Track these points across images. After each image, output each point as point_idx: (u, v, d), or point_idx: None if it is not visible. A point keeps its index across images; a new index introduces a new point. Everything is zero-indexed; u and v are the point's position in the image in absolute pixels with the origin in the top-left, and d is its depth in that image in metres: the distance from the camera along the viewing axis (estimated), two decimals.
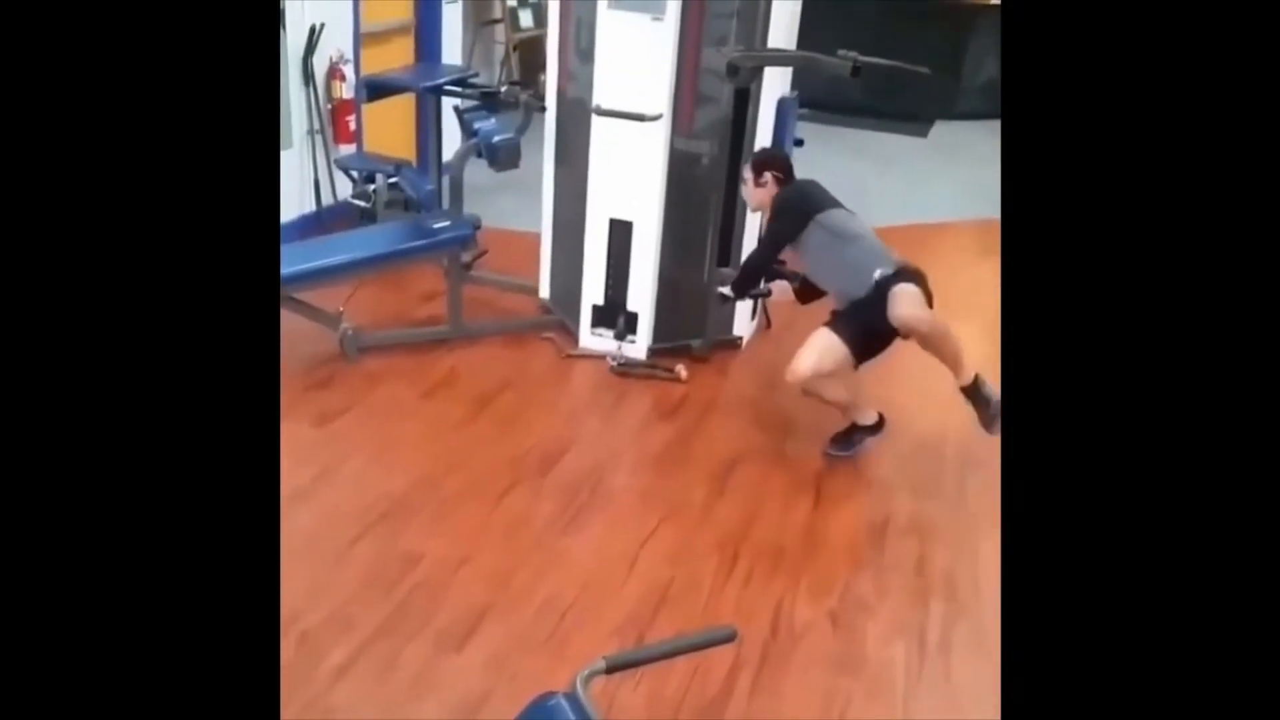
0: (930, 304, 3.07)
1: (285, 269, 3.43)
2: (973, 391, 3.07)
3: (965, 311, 4.58)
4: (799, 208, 3.23)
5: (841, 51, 3.28)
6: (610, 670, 1.30)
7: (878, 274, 3.05)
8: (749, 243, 3.83)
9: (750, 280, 3.45)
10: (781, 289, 3.57)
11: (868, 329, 3.04)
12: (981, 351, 4.06)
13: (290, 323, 3.52)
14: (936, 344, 3.01)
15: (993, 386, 3.06)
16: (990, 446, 3.34)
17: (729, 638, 1.38)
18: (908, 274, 3.06)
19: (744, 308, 3.89)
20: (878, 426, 3.23)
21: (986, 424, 3.08)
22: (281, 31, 4.51)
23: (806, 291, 3.40)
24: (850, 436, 3.22)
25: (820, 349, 3.03)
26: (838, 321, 3.09)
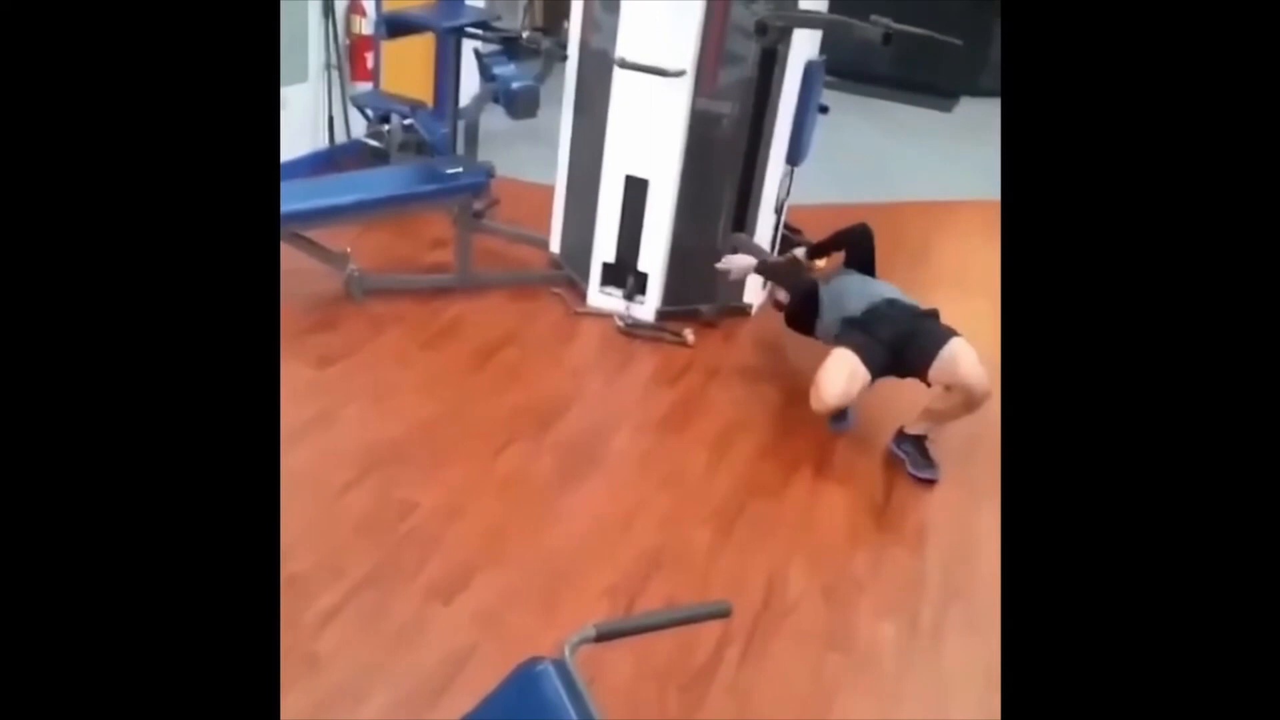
0: None
1: (294, 205, 3.37)
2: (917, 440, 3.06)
3: (981, 290, 4.52)
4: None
5: (874, 17, 3.18)
6: (600, 639, 1.27)
7: (895, 296, 3.12)
8: (765, 208, 3.76)
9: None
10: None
11: (894, 358, 3.01)
12: (991, 331, 4.02)
13: (296, 261, 3.47)
14: (978, 403, 2.93)
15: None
16: (996, 423, 3.30)
17: (723, 613, 1.35)
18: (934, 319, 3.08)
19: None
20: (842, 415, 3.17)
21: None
22: None
23: (797, 316, 3.38)
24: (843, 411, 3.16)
25: (849, 373, 2.93)
26: (861, 346, 2.99)
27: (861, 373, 2.94)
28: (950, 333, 3.00)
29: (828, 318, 3.22)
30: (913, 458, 3.04)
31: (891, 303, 3.13)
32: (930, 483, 2.98)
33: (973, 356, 2.92)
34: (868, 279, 3.32)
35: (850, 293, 3.21)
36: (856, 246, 3.43)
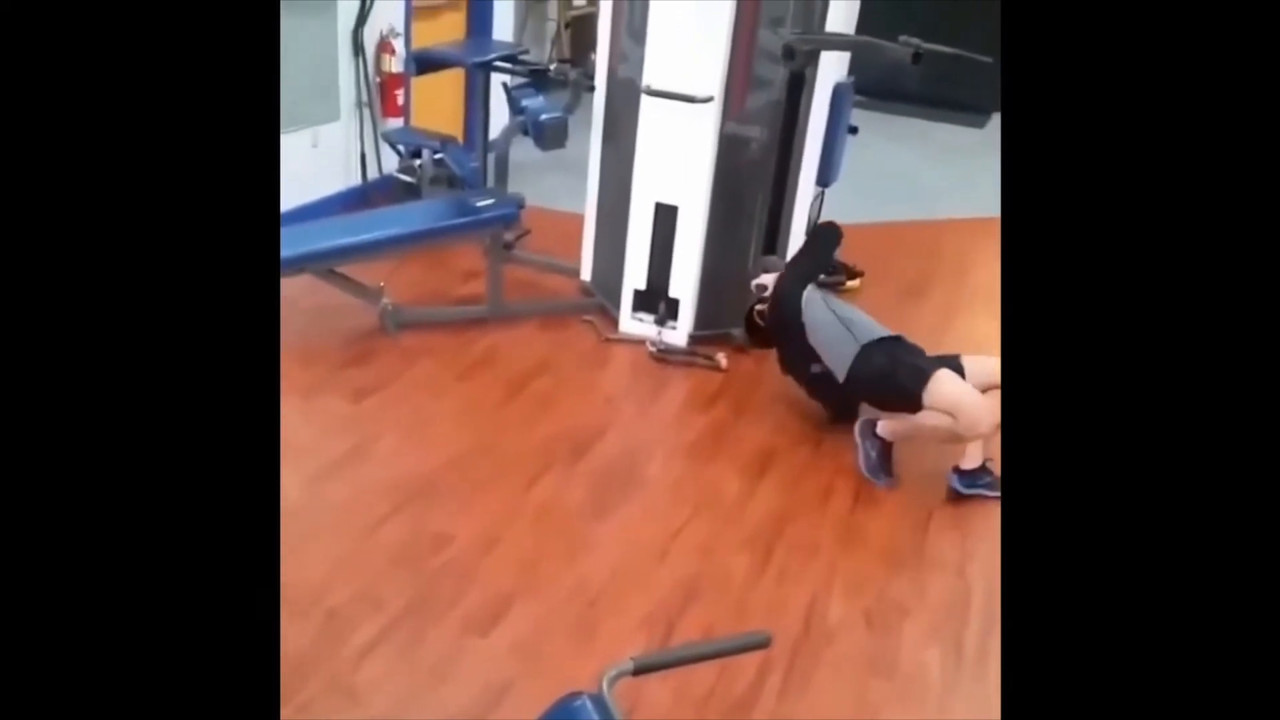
0: None
1: (328, 242, 3.43)
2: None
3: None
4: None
5: (903, 38, 3.17)
6: (638, 672, 1.25)
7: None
8: (796, 231, 3.74)
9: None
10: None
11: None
12: None
13: (331, 296, 3.52)
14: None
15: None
16: None
17: (763, 644, 1.32)
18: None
19: None
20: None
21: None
22: (333, 4, 4.50)
23: (766, 331, 3.37)
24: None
25: (979, 395, 2.87)
26: (942, 365, 2.96)
27: (978, 391, 2.90)
28: (935, 366, 2.98)
29: (842, 344, 3.09)
30: (868, 460, 3.03)
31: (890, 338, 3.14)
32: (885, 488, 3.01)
33: (958, 387, 2.90)
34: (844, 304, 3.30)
35: (860, 319, 3.18)
36: (816, 239, 3.42)
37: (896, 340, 3.10)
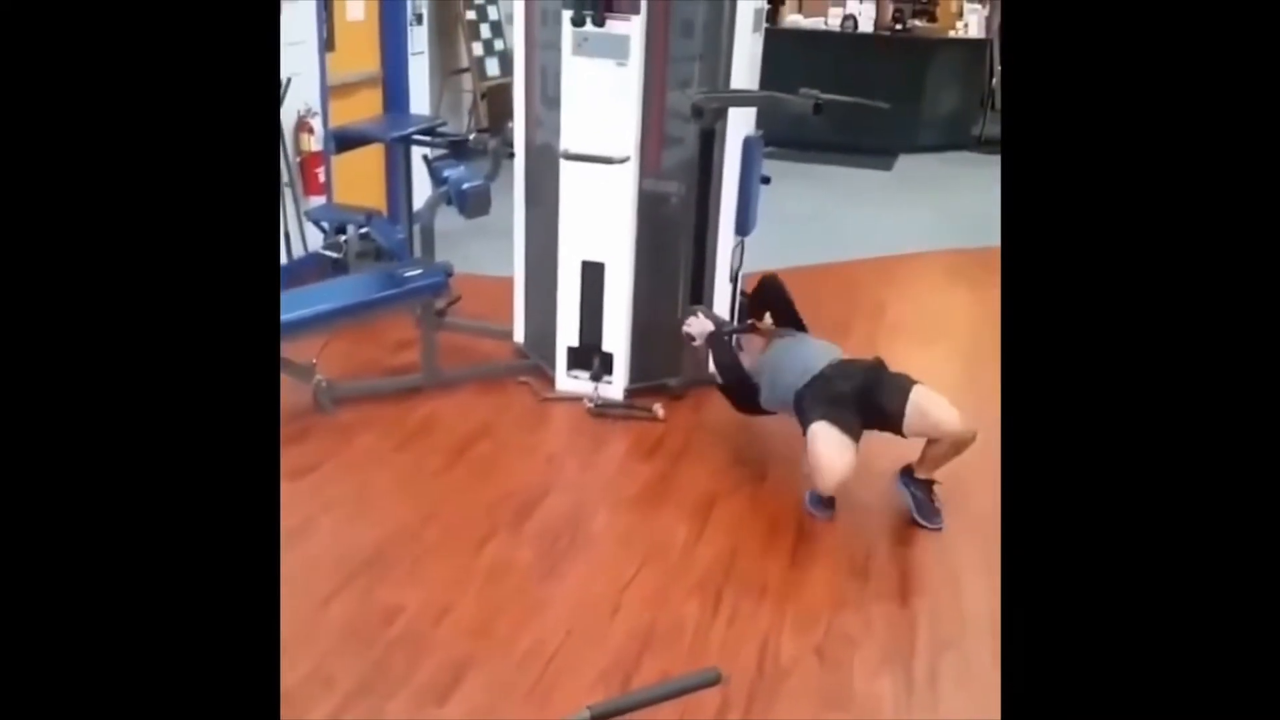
0: None
1: None
2: (925, 486, 3.10)
3: (934, 337, 4.64)
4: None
5: (803, 90, 3.34)
6: None
7: (835, 357, 3.20)
8: (720, 280, 3.85)
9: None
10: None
11: (864, 413, 3.03)
12: (950, 373, 4.11)
13: None
14: (966, 443, 2.99)
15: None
16: (972, 474, 3.35)
17: (713, 681, 1.37)
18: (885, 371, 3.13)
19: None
20: (829, 502, 3.10)
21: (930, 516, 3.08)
22: None
23: (736, 395, 3.44)
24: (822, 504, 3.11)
25: (837, 451, 2.91)
26: (831, 415, 2.98)
27: (848, 446, 2.94)
28: (908, 382, 3.05)
29: (773, 391, 3.24)
30: (920, 504, 3.07)
31: (836, 365, 3.17)
32: (936, 531, 3.03)
33: (940, 401, 2.98)
34: (804, 343, 3.36)
35: (786, 363, 3.24)
36: (774, 301, 3.54)
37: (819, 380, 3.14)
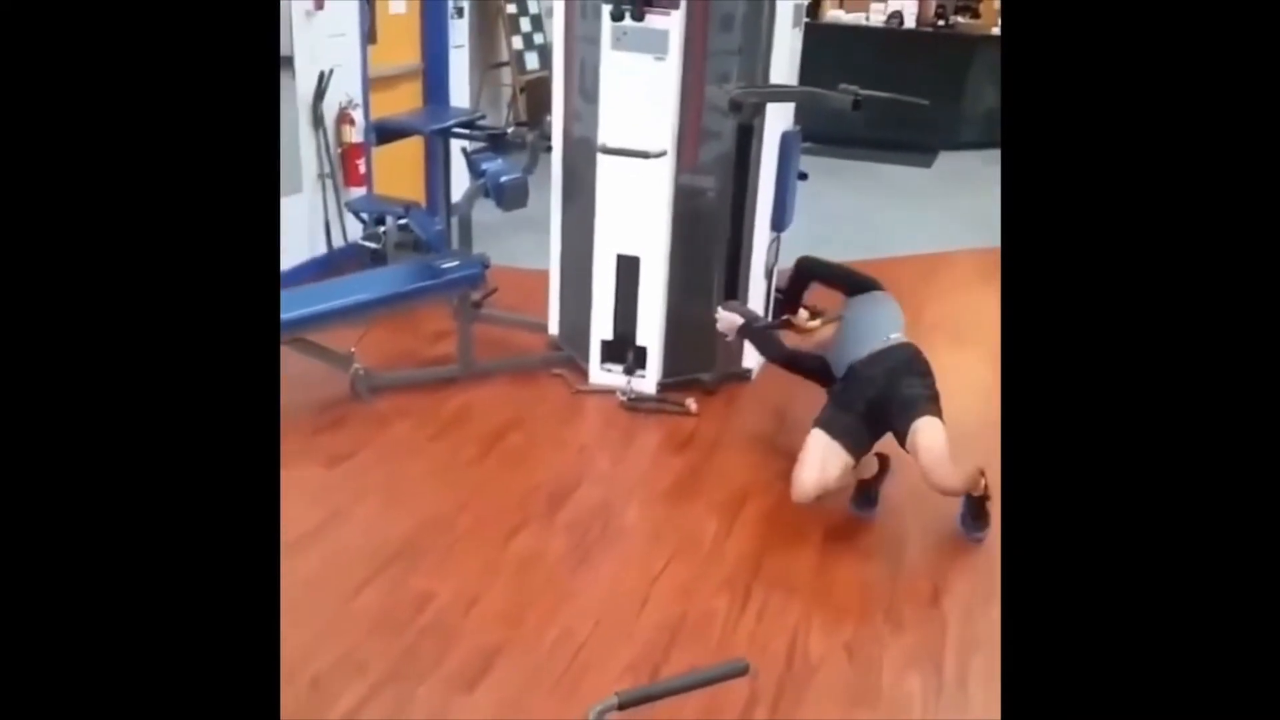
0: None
1: (296, 311, 3.46)
2: (977, 501, 2.97)
3: (970, 339, 4.58)
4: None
5: (843, 85, 3.31)
6: (623, 706, 1.29)
7: (893, 337, 3.08)
8: (755, 275, 3.84)
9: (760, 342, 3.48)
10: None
11: (873, 426, 2.95)
12: (984, 378, 4.06)
13: (301, 365, 3.54)
14: (953, 491, 2.90)
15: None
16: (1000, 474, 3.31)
17: (741, 671, 1.37)
18: (933, 399, 2.92)
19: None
20: (882, 473, 3.10)
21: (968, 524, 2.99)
22: (291, 78, 4.59)
23: (809, 375, 3.38)
24: (866, 494, 3.07)
25: (820, 458, 2.88)
26: (829, 420, 2.97)
27: (836, 458, 2.90)
28: (920, 409, 2.86)
29: (837, 367, 3.19)
30: (965, 514, 2.98)
31: (869, 359, 3.06)
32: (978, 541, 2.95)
33: (934, 447, 2.79)
34: (868, 311, 3.25)
35: (852, 337, 3.16)
36: (816, 274, 3.47)
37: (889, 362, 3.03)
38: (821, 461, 2.90)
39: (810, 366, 3.35)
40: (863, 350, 3.10)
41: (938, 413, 2.89)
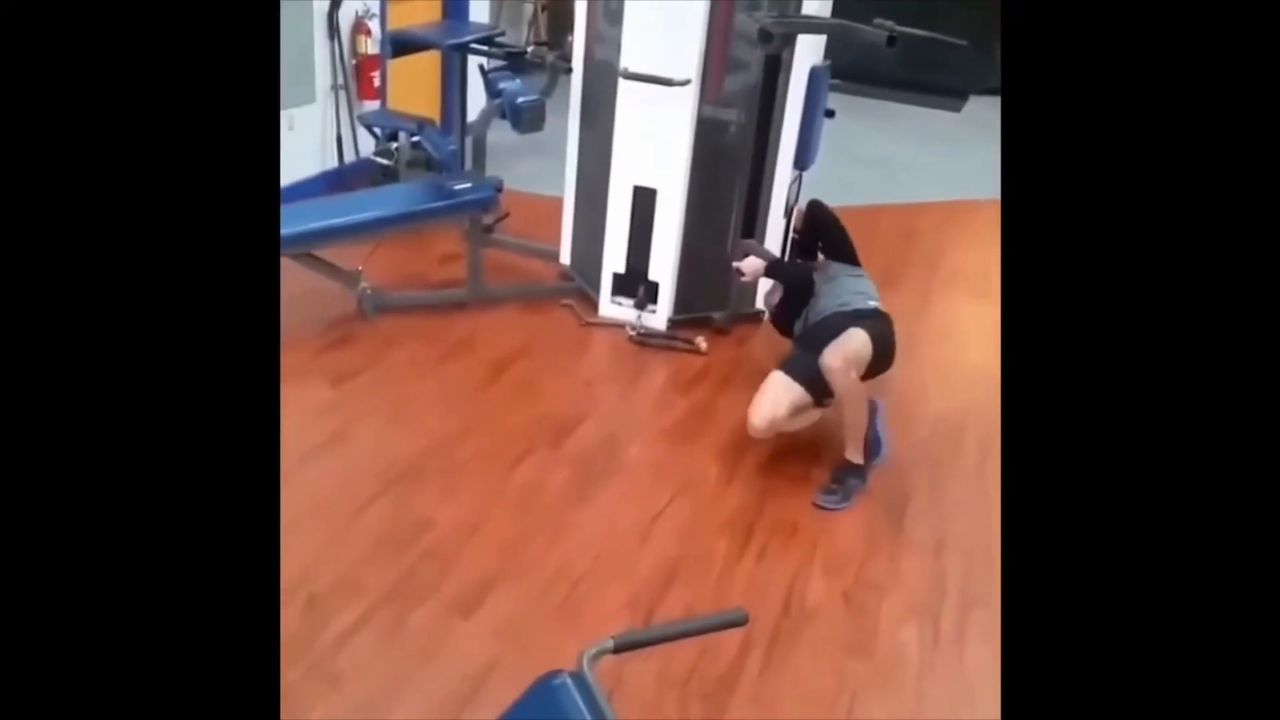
0: (889, 358, 2.98)
1: (304, 225, 3.40)
2: (843, 468, 2.92)
3: (990, 290, 4.51)
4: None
5: (877, 20, 3.18)
6: (618, 650, 1.27)
7: (872, 304, 3.05)
8: (774, 214, 3.76)
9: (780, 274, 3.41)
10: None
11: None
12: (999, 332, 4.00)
13: (309, 280, 3.50)
14: (841, 402, 2.86)
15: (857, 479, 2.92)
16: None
17: (740, 621, 1.35)
18: (869, 319, 2.95)
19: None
20: (869, 460, 2.94)
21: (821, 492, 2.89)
22: None
23: (780, 314, 3.37)
24: (842, 481, 2.91)
25: (773, 395, 2.88)
26: (789, 361, 2.98)
27: (787, 396, 2.87)
28: (851, 320, 2.93)
29: (804, 324, 3.17)
30: (828, 485, 2.92)
31: (865, 312, 3.03)
32: (830, 511, 2.83)
33: (843, 347, 2.81)
34: (841, 280, 3.19)
35: (833, 291, 3.14)
36: (825, 229, 3.37)
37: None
38: (774, 399, 2.89)
39: (794, 305, 3.28)
40: (845, 304, 3.06)
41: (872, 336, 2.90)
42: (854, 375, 2.84)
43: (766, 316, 3.55)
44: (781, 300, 3.39)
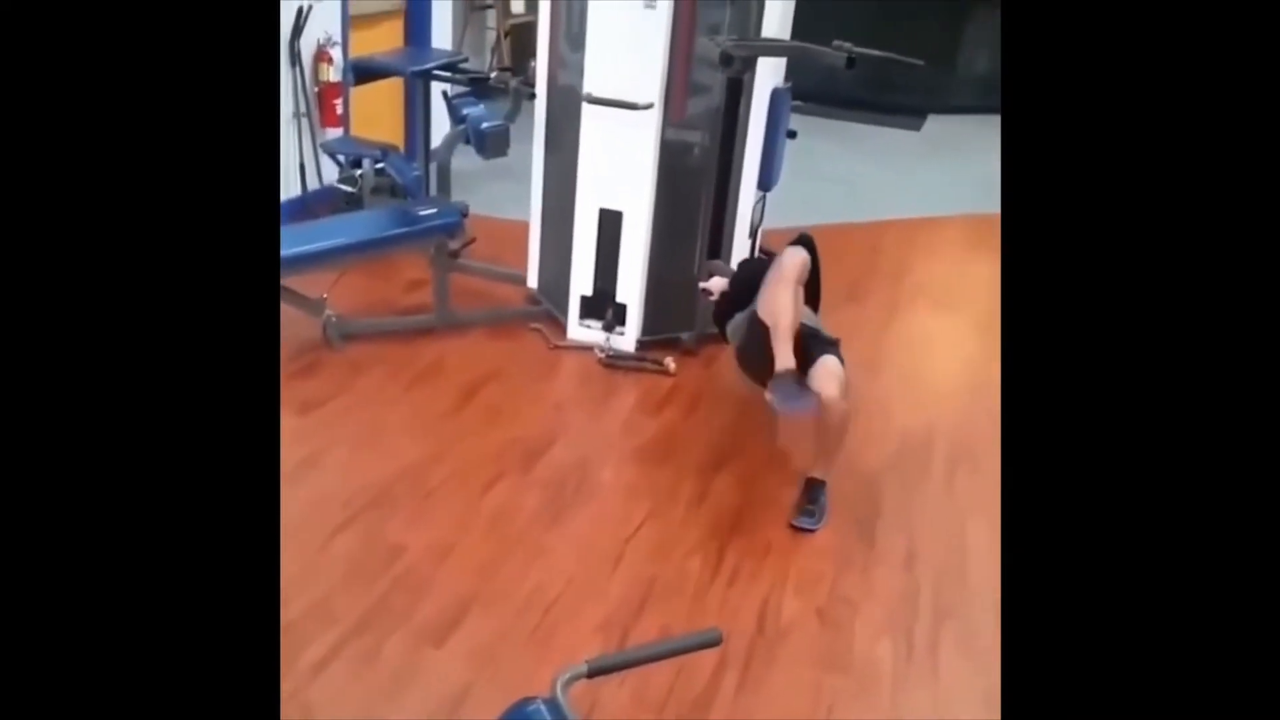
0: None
1: None
2: (811, 487, 2.91)
3: (954, 303, 4.58)
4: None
5: (836, 42, 3.24)
6: (592, 674, 1.27)
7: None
8: (739, 235, 3.79)
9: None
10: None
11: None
12: (970, 345, 4.06)
13: None
14: (838, 429, 2.86)
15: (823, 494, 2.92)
16: (979, 440, 3.33)
17: (714, 641, 1.35)
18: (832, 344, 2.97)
19: None
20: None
21: (797, 514, 2.87)
22: None
23: (724, 310, 3.28)
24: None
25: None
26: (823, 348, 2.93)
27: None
28: (826, 347, 2.91)
29: (734, 333, 3.12)
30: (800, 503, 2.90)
31: (819, 333, 3.03)
32: (809, 532, 2.82)
33: (833, 366, 2.82)
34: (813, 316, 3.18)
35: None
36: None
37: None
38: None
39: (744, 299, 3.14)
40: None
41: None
42: (839, 384, 2.81)
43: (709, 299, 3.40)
44: (726, 295, 3.29)
